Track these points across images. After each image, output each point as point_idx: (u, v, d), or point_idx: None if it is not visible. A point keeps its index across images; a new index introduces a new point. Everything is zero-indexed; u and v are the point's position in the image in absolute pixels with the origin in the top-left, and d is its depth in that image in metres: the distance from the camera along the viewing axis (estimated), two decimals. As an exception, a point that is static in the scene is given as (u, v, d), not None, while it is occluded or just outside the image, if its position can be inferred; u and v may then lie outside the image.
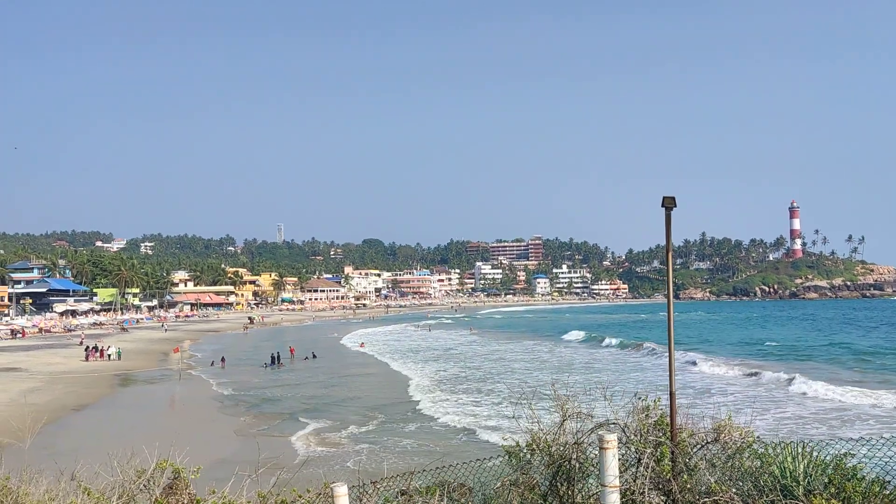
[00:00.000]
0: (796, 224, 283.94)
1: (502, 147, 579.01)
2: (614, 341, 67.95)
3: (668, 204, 5.67)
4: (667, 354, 6.66)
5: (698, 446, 5.85)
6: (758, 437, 6.05)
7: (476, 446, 21.54)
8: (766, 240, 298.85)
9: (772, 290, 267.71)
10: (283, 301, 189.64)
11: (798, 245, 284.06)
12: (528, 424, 6.67)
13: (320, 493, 6.74)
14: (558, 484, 6.14)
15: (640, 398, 6.28)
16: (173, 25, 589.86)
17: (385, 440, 24.09)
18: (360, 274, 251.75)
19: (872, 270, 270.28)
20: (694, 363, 46.12)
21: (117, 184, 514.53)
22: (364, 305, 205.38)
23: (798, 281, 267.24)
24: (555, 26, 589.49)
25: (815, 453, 5.70)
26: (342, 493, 6.21)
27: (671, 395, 5.92)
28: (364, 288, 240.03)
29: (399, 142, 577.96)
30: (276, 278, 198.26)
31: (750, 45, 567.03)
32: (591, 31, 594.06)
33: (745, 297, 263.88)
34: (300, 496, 7.01)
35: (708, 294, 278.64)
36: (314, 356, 56.96)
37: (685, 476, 5.63)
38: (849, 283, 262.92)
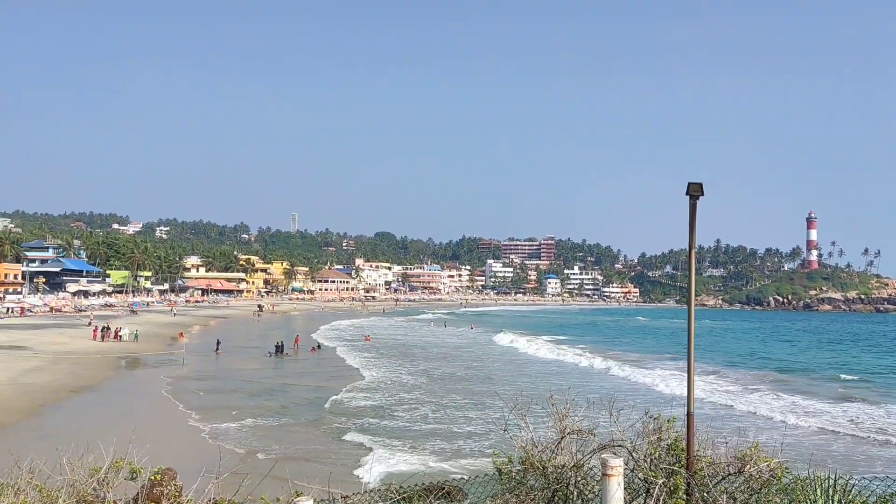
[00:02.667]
0: (813, 235, 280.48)
1: (518, 145, 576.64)
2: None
3: (695, 191, 4.84)
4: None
5: (719, 477, 5.02)
6: (786, 468, 5.20)
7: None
8: (781, 249, 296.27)
9: (786, 300, 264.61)
10: (293, 290, 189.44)
11: (814, 256, 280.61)
12: (520, 437, 5.88)
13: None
14: (554, 510, 5.36)
15: (651, 417, 5.45)
16: (192, 8, 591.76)
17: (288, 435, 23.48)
18: (371, 266, 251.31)
19: (887, 284, 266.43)
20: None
21: (137, 167, 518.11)
22: (373, 298, 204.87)
23: (812, 292, 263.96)
24: (576, 23, 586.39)
25: (853, 489, 4.90)
26: (307, 508, 5.49)
27: (689, 416, 5.08)
28: (374, 280, 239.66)
29: (414, 137, 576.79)
30: (288, 267, 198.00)
31: (771, 51, 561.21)
32: (612, 30, 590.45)
33: (758, 307, 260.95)
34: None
35: (720, 302, 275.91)
36: (319, 347, 56.37)
37: (701, 511, 4.82)
38: (863, 297, 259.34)
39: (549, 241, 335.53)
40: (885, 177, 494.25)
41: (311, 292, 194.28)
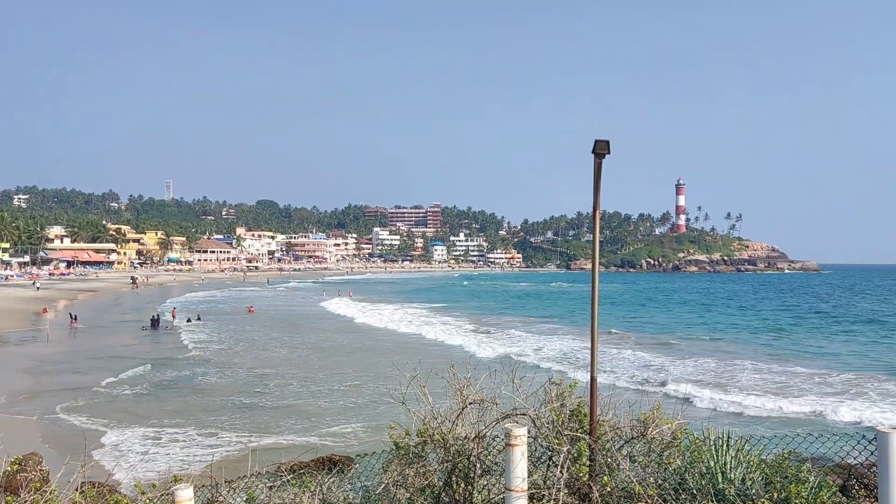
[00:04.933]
0: (681, 200, 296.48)
1: (403, 112, 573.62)
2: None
3: (601, 150, 4.65)
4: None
5: (622, 441, 4.96)
6: (686, 429, 5.20)
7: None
8: (653, 214, 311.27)
9: (656, 262, 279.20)
10: (169, 261, 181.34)
11: (682, 220, 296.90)
12: (420, 410, 5.61)
13: (163, 494, 5.51)
14: (454, 483, 5.14)
15: (554, 383, 5.30)
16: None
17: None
18: (253, 236, 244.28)
19: (748, 246, 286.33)
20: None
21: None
22: (257, 268, 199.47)
23: (681, 255, 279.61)
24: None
25: (745, 447, 4.96)
26: (186, 497, 5.01)
27: (592, 380, 4.96)
28: (257, 250, 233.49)
29: (297, 99, 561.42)
30: (163, 237, 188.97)
31: (647, 25, 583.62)
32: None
33: (631, 269, 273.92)
34: (143, 492, 5.78)
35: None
36: (199, 318, 54.26)
37: (605, 477, 4.73)
38: (726, 258, 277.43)
39: (436, 209, 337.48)
40: (747, 144, 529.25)
41: (190, 263, 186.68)
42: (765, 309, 76.21)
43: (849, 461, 6.29)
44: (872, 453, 5.18)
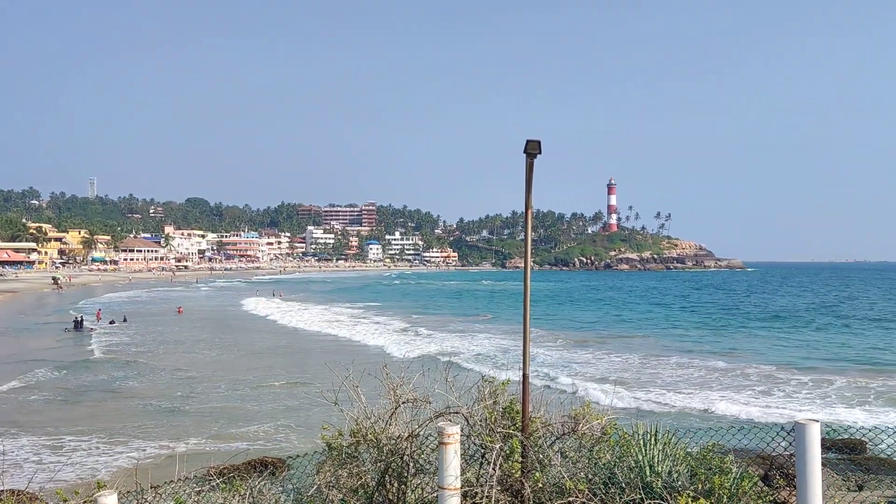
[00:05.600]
0: (613, 200, 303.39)
1: (338, 110, 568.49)
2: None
3: (532, 150, 4.70)
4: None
5: (553, 438, 5.02)
6: (615, 424, 5.31)
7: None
8: (586, 214, 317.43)
9: (589, 261, 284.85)
10: (93, 261, 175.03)
11: (614, 220, 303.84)
12: (354, 410, 5.56)
13: (86, 502, 5.30)
14: (388, 483, 5.11)
15: (487, 381, 5.33)
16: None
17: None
18: (183, 234, 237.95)
19: (676, 245, 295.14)
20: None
21: None
22: (186, 268, 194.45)
23: (612, 253, 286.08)
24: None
25: (673, 440, 5.10)
26: (110, 503, 4.83)
27: (524, 378, 5.01)
28: (186, 249, 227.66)
29: (227, 95, 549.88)
30: (87, 236, 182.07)
31: (576, 23, 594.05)
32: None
33: (565, 268, 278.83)
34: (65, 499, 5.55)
35: (531, 264, 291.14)
36: (125, 320, 52.57)
37: (537, 473, 4.78)
38: (655, 257, 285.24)
39: (371, 207, 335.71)
40: (676, 144, 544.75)
41: (115, 263, 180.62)
42: (691, 306, 78.61)
43: (770, 452, 6.54)
44: (791, 444, 5.39)
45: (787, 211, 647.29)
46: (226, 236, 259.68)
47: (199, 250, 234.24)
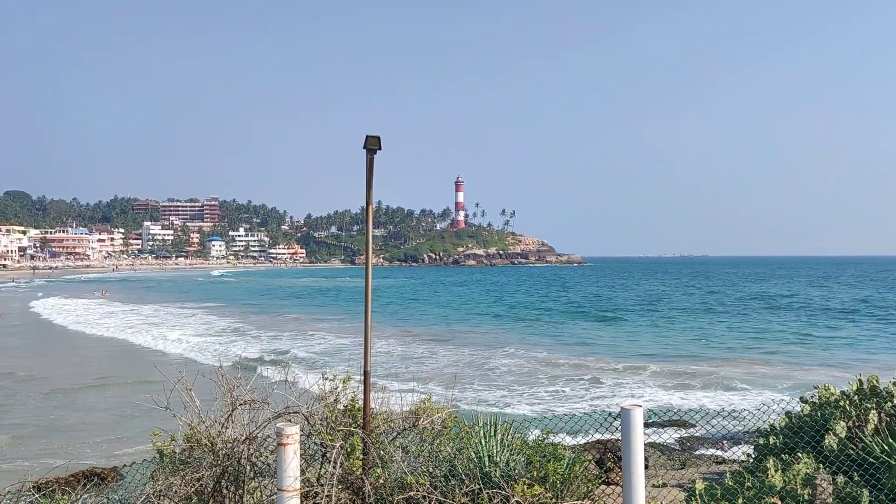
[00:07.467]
0: (461, 197, 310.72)
1: (177, 100, 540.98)
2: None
3: (372, 145, 4.68)
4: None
5: (395, 433, 5.04)
6: (456, 417, 5.42)
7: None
8: (434, 210, 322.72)
9: (438, 257, 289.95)
10: None
11: (461, 216, 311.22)
12: (188, 415, 5.29)
13: None
14: (224, 489, 4.91)
15: (327, 379, 5.26)
16: None
17: None
18: (0, 231, 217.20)
19: (520, 241, 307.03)
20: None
21: None
22: (4, 266, 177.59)
23: (460, 249, 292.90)
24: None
25: (511, 431, 5.28)
26: None
27: (365, 375, 4.99)
28: (5, 246, 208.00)
29: (53, 78, 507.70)
30: None
31: (427, 25, 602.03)
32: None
33: (414, 264, 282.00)
34: None
35: (381, 260, 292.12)
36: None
37: (378, 470, 4.78)
38: (501, 252, 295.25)
39: (213, 203, 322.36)
40: (520, 143, 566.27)
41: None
42: (533, 299, 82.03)
43: (606, 437, 6.94)
44: (618, 429, 5.76)
45: (622, 208, 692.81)
46: (51, 232, 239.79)
47: (19, 248, 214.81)
